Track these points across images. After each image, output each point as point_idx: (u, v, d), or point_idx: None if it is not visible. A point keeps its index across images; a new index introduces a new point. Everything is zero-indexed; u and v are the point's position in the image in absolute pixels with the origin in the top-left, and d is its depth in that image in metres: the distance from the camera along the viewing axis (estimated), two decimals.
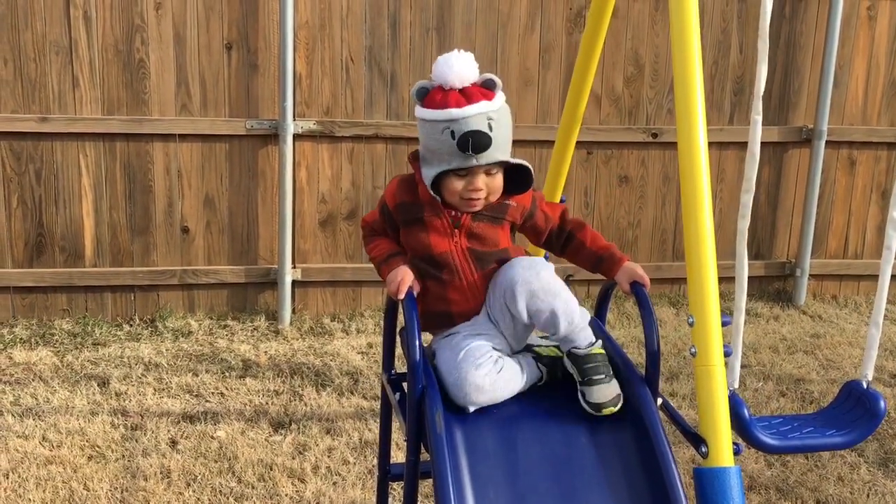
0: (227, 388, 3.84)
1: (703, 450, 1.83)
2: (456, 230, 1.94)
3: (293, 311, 4.72)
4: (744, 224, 2.12)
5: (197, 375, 3.95)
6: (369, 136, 4.66)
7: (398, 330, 2.09)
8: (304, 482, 3.09)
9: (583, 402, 1.86)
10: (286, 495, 3.01)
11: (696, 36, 2.01)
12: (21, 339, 4.29)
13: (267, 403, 3.71)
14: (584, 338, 1.91)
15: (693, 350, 1.89)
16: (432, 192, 1.91)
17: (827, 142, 5.04)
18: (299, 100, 4.55)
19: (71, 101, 4.36)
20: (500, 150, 1.88)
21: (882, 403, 2.26)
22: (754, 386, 3.96)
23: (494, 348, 1.91)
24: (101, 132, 4.40)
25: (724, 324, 1.93)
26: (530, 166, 1.95)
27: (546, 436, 1.83)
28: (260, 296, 4.75)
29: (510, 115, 1.94)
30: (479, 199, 1.91)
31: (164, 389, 3.81)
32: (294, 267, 4.69)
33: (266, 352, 4.25)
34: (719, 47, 4.93)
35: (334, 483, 3.09)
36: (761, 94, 2.08)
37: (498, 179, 1.93)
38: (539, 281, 1.86)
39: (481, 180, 1.90)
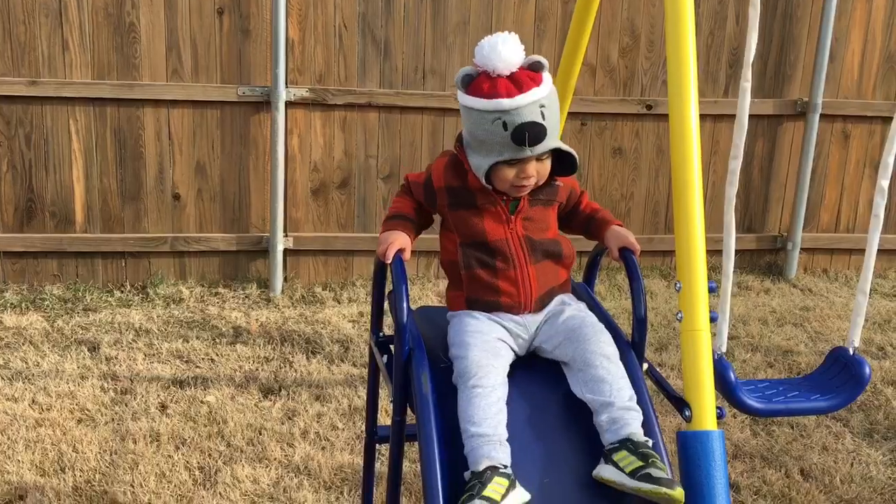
0: (217, 355, 3.84)
1: (687, 414, 1.84)
2: (512, 216, 1.88)
3: (285, 280, 4.72)
4: (731, 191, 2.11)
5: (187, 341, 3.95)
6: (362, 104, 4.63)
7: (386, 293, 2.09)
8: (293, 446, 3.11)
9: (647, 486, 1.61)
10: (275, 459, 3.03)
11: (689, 6, 1.99)
12: (11, 303, 4.29)
13: (257, 370, 3.72)
14: (640, 430, 1.73)
15: (679, 315, 1.90)
16: (485, 183, 1.85)
17: (821, 115, 5.03)
18: (292, 66, 4.52)
19: (61, 65, 4.32)
20: (552, 136, 1.82)
21: (867, 369, 2.26)
22: (742, 357, 3.98)
23: (509, 347, 1.87)
24: (91, 97, 4.36)
25: (710, 289, 1.93)
26: (576, 154, 1.89)
27: (530, 396, 1.84)
28: (251, 264, 4.74)
29: (557, 95, 1.86)
30: (529, 185, 1.86)
31: (154, 355, 3.81)
32: (286, 235, 4.68)
33: (257, 319, 4.25)
34: (716, 18, 4.90)
35: (323, 448, 3.11)
36: (751, 62, 2.07)
37: (547, 165, 1.87)
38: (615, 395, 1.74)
39: (532, 167, 1.83)
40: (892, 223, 5.37)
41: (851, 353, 2.33)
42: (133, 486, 2.82)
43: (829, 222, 5.34)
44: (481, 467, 1.63)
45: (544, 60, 1.82)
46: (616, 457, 1.66)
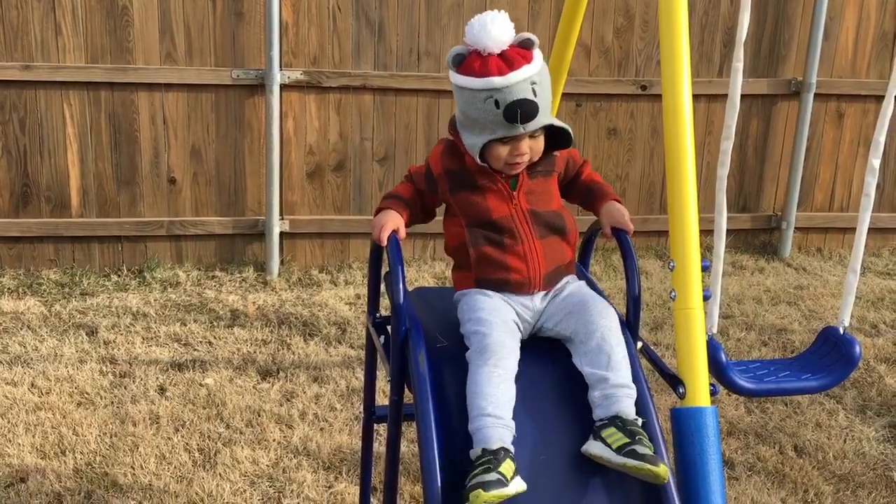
0: (215, 338, 3.86)
1: (681, 391, 1.86)
2: (514, 192, 1.88)
3: (281, 263, 4.73)
4: (723, 171, 2.13)
5: (185, 325, 3.97)
6: (357, 86, 4.63)
7: (383, 274, 2.10)
8: (292, 428, 3.14)
9: (632, 461, 1.62)
10: (274, 440, 3.05)
11: None
12: (8, 288, 4.30)
13: (255, 352, 3.74)
14: (632, 408, 1.73)
15: (673, 294, 1.92)
16: (479, 161, 1.85)
17: (815, 94, 5.04)
18: (286, 49, 4.51)
19: (54, 50, 4.30)
20: (545, 113, 1.82)
21: (857, 348, 2.29)
22: (737, 336, 4.01)
23: (515, 322, 1.86)
24: (84, 81, 4.35)
25: (704, 268, 1.95)
26: (570, 129, 1.89)
27: (530, 376, 1.85)
28: (248, 247, 4.75)
29: (548, 72, 1.86)
30: (522, 162, 1.85)
31: (152, 338, 3.83)
32: (282, 219, 4.69)
33: (254, 302, 4.27)
34: None
35: (321, 429, 3.14)
36: (743, 40, 2.07)
37: (540, 142, 1.86)
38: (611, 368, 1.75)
39: (525, 145, 1.83)
40: (886, 202, 5.40)
41: (842, 332, 2.35)
42: (133, 468, 2.85)
43: (824, 201, 5.36)
44: (495, 446, 1.64)
45: (534, 38, 1.81)
46: (604, 433, 1.68)
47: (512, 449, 1.66)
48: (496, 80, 1.76)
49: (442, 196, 1.95)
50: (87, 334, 3.82)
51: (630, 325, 1.94)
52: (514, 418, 1.72)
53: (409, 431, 2.98)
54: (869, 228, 2.35)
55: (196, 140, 4.55)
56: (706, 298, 1.95)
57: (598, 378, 1.74)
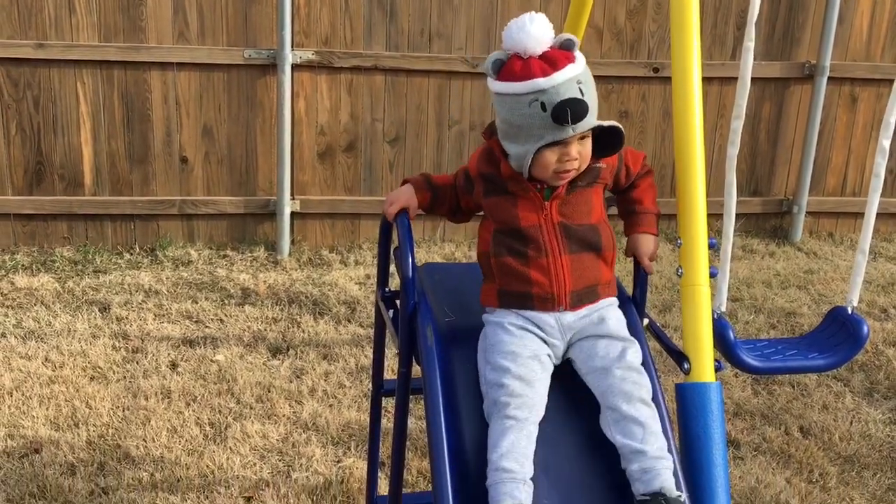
0: (226, 315, 3.90)
1: (686, 366, 1.87)
2: (547, 203, 1.78)
3: (292, 243, 4.76)
4: (733, 150, 2.13)
5: (196, 302, 4.01)
6: (368, 67, 4.63)
7: (392, 249, 2.12)
8: (301, 404, 3.17)
9: None
10: (284, 416, 3.09)
11: None
12: (23, 265, 4.34)
13: (265, 330, 3.78)
14: (671, 481, 1.65)
15: (680, 271, 1.93)
16: (527, 173, 1.75)
17: (829, 78, 5.01)
18: (297, 29, 4.52)
19: (67, 28, 4.32)
20: (594, 114, 1.73)
21: (865, 328, 2.29)
22: (745, 318, 4.02)
23: (547, 355, 1.77)
24: (98, 59, 4.37)
25: (710, 246, 1.96)
26: (621, 127, 1.79)
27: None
28: (259, 227, 4.78)
29: (592, 78, 1.76)
30: (572, 169, 1.74)
31: (164, 315, 3.87)
32: (293, 199, 4.71)
33: (265, 281, 4.30)
34: None
35: (330, 405, 3.17)
36: (754, 20, 2.07)
37: (588, 146, 1.76)
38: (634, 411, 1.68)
39: (575, 149, 1.72)
40: None
41: (850, 312, 2.36)
42: (145, 441, 2.89)
43: (836, 186, 5.34)
44: None
45: (575, 39, 1.73)
46: None
47: (524, 500, 1.60)
48: (541, 82, 1.67)
49: (476, 198, 1.88)
50: (99, 311, 3.87)
51: (636, 300, 1.95)
52: (542, 463, 1.66)
53: (417, 408, 3.01)
54: (881, 214, 2.35)
55: (208, 119, 4.58)
56: (713, 276, 1.96)
57: (633, 450, 1.66)
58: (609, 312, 1.82)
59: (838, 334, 2.40)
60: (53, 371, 3.31)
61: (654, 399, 1.75)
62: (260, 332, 3.74)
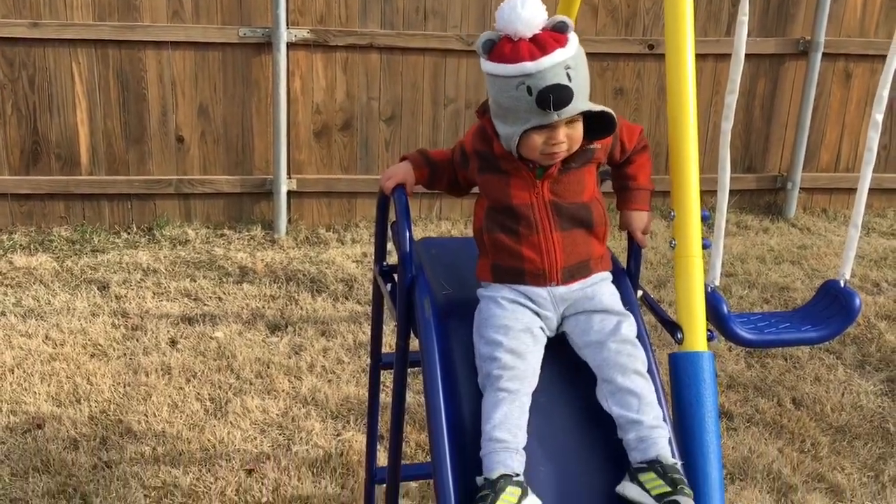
0: (224, 293, 3.93)
1: (679, 336, 1.90)
2: (539, 182, 1.79)
3: (289, 222, 4.78)
4: (727, 125, 2.15)
5: (195, 281, 4.03)
6: (364, 45, 4.63)
7: (390, 224, 2.14)
8: (300, 379, 3.20)
9: None
10: (283, 391, 3.13)
11: None
12: (21, 244, 4.36)
13: (264, 307, 3.80)
14: (668, 448, 1.69)
15: (673, 242, 1.95)
16: (515, 154, 1.77)
17: (823, 54, 5.02)
18: (292, 7, 4.51)
19: (62, 7, 4.31)
20: (581, 99, 1.72)
21: (857, 301, 2.32)
22: (739, 293, 4.06)
23: (539, 327, 1.78)
24: (92, 38, 4.37)
25: (703, 218, 1.99)
26: (612, 112, 1.78)
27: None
28: (256, 206, 4.80)
29: (585, 56, 1.75)
30: (560, 152, 1.75)
31: (162, 293, 3.90)
32: (289, 178, 4.72)
33: (262, 259, 4.33)
34: None
35: (329, 380, 3.21)
36: None
37: (579, 129, 1.75)
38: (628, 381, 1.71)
39: (562, 133, 1.72)
40: (891, 162, 5.40)
41: (842, 285, 2.39)
42: (147, 416, 2.92)
43: (829, 162, 5.37)
44: (495, 475, 1.60)
45: (569, 21, 1.72)
46: (643, 477, 1.63)
47: (517, 470, 1.62)
48: (528, 66, 1.67)
49: (471, 174, 1.89)
50: (98, 289, 3.89)
51: (630, 273, 1.98)
52: (536, 436, 1.68)
53: (415, 383, 3.05)
54: (874, 189, 2.38)
55: (203, 99, 4.58)
56: (706, 247, 1.99)
57: (628, 420, 1.69)
58: (603, 287, 1.84)
59: (831, 307, 2.43)
60: (54, 348, 3.34)
61: (649, 370, 1.78)
62: (258, 310, 3.77)
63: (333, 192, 4.85)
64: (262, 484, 2.62)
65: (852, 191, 5.40)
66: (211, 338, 3.49)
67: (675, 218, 1.96)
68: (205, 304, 3.81)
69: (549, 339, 1.83)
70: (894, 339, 3.63)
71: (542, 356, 1.77)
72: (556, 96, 1.66)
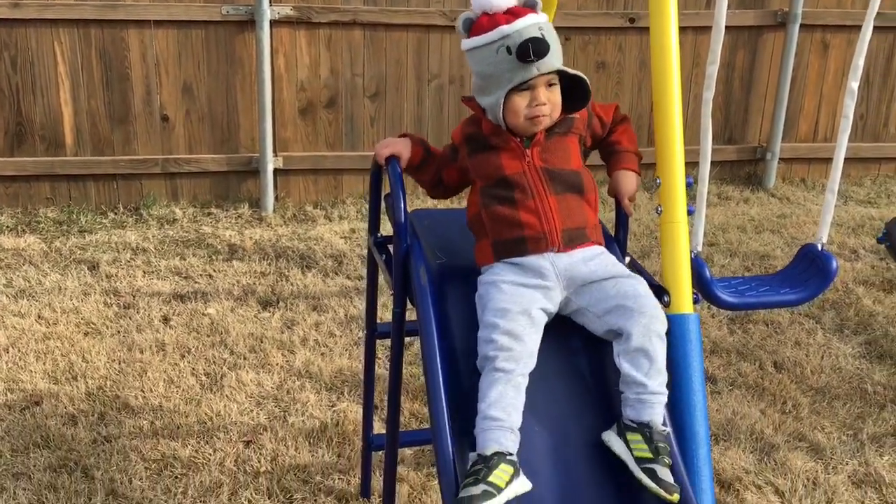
0: (214, 271, 3.96)
1: (666, 299, 1.97)
2: (527, 150, 1.87)
3: (276, 199, 4.80)
4: (709, 94, 2.21)
5: (184, 259, 4.06)
6: (347, 22, 4.64)
7: (383, 196, 2.19)
8: (294, 353, 3.26)
9: (648, 481, 1.65)
10: (277, 364, 3.18)
11: None
12: (7, 226, 4.36)
13: (254, 284, 3.84)
14: (661, 414, 1.75)
15: (659, 209, 2.02)
16: (502, 119, 1.85)
17: (801, 25, 5.09)
18: None
19: None
20: (557, 58, 1.83)
21: (834, 263, 2.41)
22: (721, 262, 4.14)
23: (540, 308, 1.80)
24: (74, 18, 4.35)
25: (688, 184, 2.05)
26: (585, 78, 1.88)
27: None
28: (242, 184, 4.82)
29: (555, 31, 1.88)
30: (544, 115, 1.85)
31: (153, 272, 3.92)
32: (275, 155, 4.74)
33: (251, 237, 4.36)
34: None
35: (322, 353, 3.26)
36: None
37: (557, 93, 1.86)
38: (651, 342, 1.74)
39: (543, 93, 1.83)
40: (868, 132, 5.49)
41: (820, 248, 2.47)
42: (143, 391, 2.97)
43: (808, 132, 5.45)
44: (489, 451, 1.64)
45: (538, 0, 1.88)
46: (630, 436, 1.70)
47: (510, 449, 1.65)
48: (504, 28, 1.81)
49: (461, 162, 1.96)
50: (88, 269, 3.91)
51: (618, 240, 2.04)
52: (531, 415, 1.72)
53: (407, 355, 3.11)
54: (851, 158, 2.46)
55: (187, 77, 4.58)
56: (690, 213, 2.05)
57: (635, 380, 1.73)
58: (604, 258, 1.88)
59: (809, 270, 2.52)
60: (47, 327, 3.37)
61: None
62: (249, 286, 3.81)
63: (320, 170, 4.87)
64: (261, 454, 2.67)
65: (830, 160, 5.45)
66: (203, 314, 3.53)
67: (661, 185, 2.02)
68: (196, 282, 3.84)
69: (552, 319, 1.83)
70: (871, 303, 3.73)
71: (539, 339, 1.79)
72: (535, 47, 1.79)
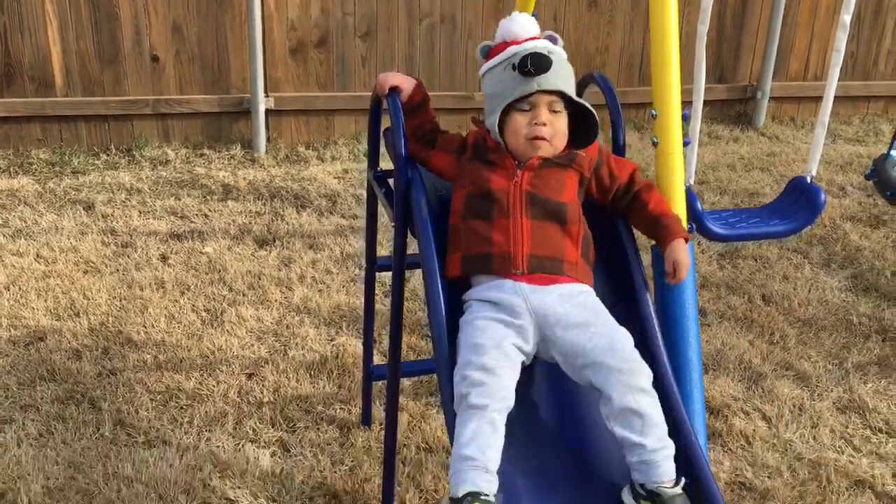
0: (210, 210, 3.98)
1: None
2: (519, 171, 1.84)
3: (268, 140, 4.80)
4: (702, 28, 2.23)
5: (179, 199, 4.08)
6: None
7: (382, 131, 2.21)
8: (292, 290, 3.31)
9: None
10: (276, 301, 3.23)
11: None
12: (0, 168, 4.36)
13: (250, 223, 3.87)
14: (671, 469, 1.62)
15: (655, 140, 2.06)
16: (498, 138, 1.85)
17: None
18: None
19: None
20: (562, 79, 1.82)
21: (822, 195, 2.46)
22: (711, 200, 4.20)
23: (513, 344, 1.72)
24: None
25: (683, 118, 2.09)
26: (594, 111, 1.85)
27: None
28: (234, 125, 4.81)
29: (571, 66, 1.88)
30: (544, 136, 1.82)
31: (148, 212, 3.94)
32: (267, 96, 4.72)
33: (244, 178, 4.37)
34: None
35: (320, 290, 3.31)
36: None
37: (562, 121, 1.84)
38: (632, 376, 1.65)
39: (544, 113, 1.82)
40: (858, 70, 5.51)
41: (809, 181, 2.52)
42: (145, 327, 3.02)
43: (798, 71, 5.46)
44: (461, 493, 1.54)
45: (558, 37, 1.90)
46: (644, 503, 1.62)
47: (486, 490, 1.56)
48: (514, 47, 1.85)
49: (461, 161, 1.93)
50: (84, 209, 3.93)
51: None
52: (512, 445, 1.66)
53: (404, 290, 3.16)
54: (840, 97, 2.48)
55: (177, 17, 4.53)
56: (687, 144, 2.09)
57: (631, 442, 1.62)
58: (583, 300, 1.78)
59: (798, 202, 2.57)
60: (47, 266, 3.40)
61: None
62: (245, 225, 3.84)
63: (311, 110, 4.86)
64: (263, 386, 2.74)
65: (821, 99, 5.50)
66: (201, 253, 3.57)
67: (658, 116, 2.05)
68: (192, 222, 3.87)
69: (530, 362, 1.77)
70: (858, 238, 3.80)
71: (516, 375, 1.71)
72: (535, 61, 1.79)
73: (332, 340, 3.00)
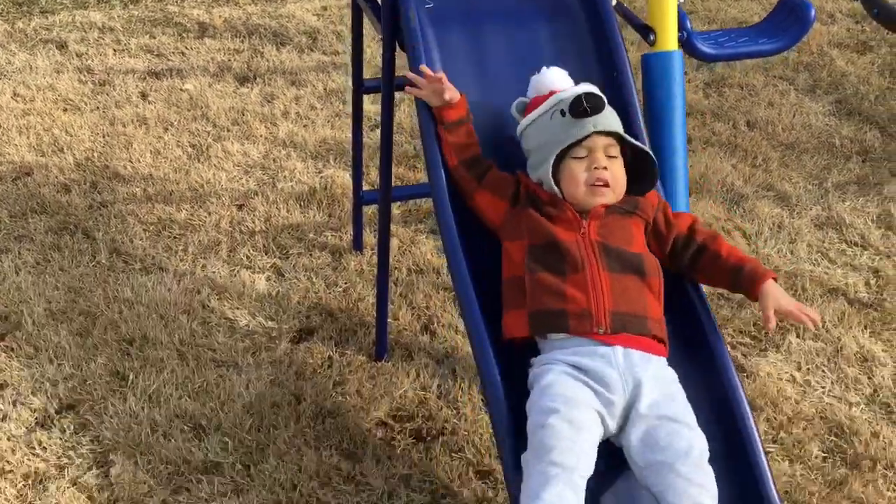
0: (186, 48, 3.88)
1: (651, 38, 2.01)
2: (584, 222, 1.68)
3: None
4: None
5: (154, 37, 3.96)
6: None
7: None
8: (276, 125, 3.28)
9: None
10: (261, 136, 3.21)
11: None
12: None
13: (229, 60, 3.79)
14: None
15: None
16: (553, 188, 1.70)
17: None
18: None
19: None
20: (615, 119, 1.72)
21: (812, 12, 2.43)
22: (699, 28, 4.12)
23: (599, 413, 1.55)
24: None
25: None
26: (651, 154, 1.74)
27: (510, 35, 1.98)
28: None
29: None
30: (604, 180, 1.68)
31: (123, 50, 3.84)
32: None
33: (220, 16, 4.23)
34: None
35: (305, 125, 3.29)
36: None
37: (620, 167, 1.71)
38: None
39: (602, 157, 1.69)
40: None
41: None
42: (132, 162, 3.01)
43: None
44: None
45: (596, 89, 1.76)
46: None
47: None
48: (560, 94, 1.75)
49: (514, 204, 1.76)
50: (57, 48, 3.82)
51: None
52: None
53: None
54: None
55: None
56: None
57: None
58: (671, 390, 1.59)
59: (787, 20, 2.54)
60: (25, 104, 3.33)
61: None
62: (224, 63, 3.76)
63: None
64: (254, 216, 2.77)
65: None
66: (181, 90, 3.50)
67: None
68: (169, 60, 3.78)
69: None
70: (844, 64, 3.79)
71: (597, 443, 1.53)
72: (589, 101, 1.68)
73: (319, 173, 3.01)
